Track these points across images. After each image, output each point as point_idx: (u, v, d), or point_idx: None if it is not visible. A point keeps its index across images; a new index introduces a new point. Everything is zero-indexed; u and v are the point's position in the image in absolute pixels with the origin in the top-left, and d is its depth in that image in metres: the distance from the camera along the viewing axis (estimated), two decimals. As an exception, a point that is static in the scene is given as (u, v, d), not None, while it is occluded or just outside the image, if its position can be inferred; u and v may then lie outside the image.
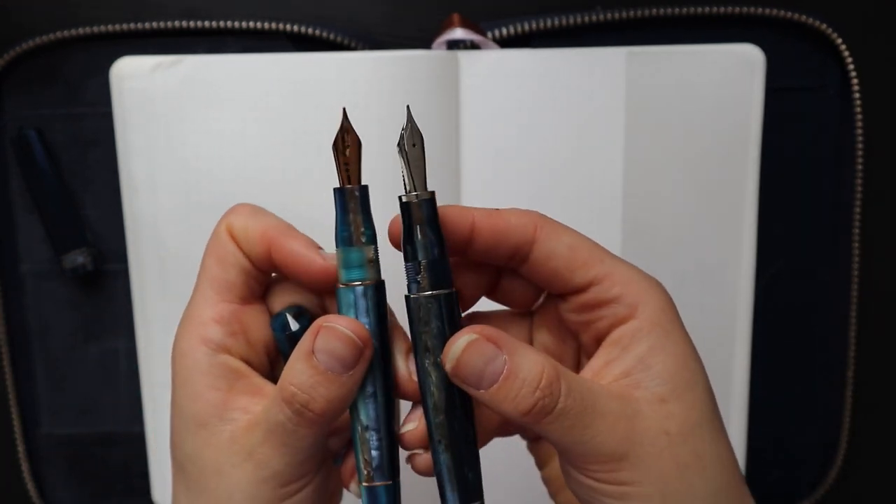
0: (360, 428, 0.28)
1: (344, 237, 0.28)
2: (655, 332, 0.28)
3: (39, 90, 0.48)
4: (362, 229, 0.28)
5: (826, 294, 0.51)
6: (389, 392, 0.28)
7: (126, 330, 0.50)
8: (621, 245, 0.47)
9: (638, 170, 0.47)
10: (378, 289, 0.28)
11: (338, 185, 0.28)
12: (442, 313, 0.27)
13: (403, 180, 0.27)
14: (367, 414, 0.28)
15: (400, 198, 0.27)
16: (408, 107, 0.28)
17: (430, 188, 0.28)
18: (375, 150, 0.46)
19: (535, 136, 0.46)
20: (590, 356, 0.30)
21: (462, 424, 0.28)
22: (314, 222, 0.46)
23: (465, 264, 0.30)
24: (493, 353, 0.26)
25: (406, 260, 0.28)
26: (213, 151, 0.46)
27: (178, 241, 0.46)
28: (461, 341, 0.27)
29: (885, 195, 0.51)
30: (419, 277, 0.27)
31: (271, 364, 0.32)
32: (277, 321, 0.31)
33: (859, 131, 0.49)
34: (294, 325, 0.30)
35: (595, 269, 0.28)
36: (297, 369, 0.27)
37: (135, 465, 0.51)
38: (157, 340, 0.48)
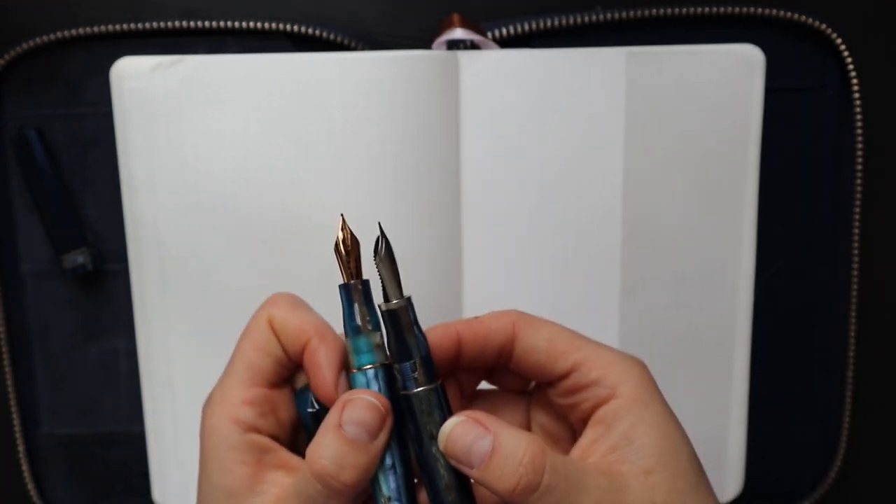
0: (382, 499, 0.30)
1: (353, 327, 0.30)
2: (636, 408, 0.29)
3: (39, 90, 0.48)
4: (368, 318, 0.30)
5: (826, 294, 0.51)
6: (408, 463, 0.31)
7: (126, 330, 0.50)
8: (621, 245, 0.47)
9: (638, 170, 0.47)
10: (386, 370, 0.30)
11: (342, 282, 0.31)
12: (441, 403, 0.30)
13: (382, 290, 0.30)
14: (387, 486, 0.30)
15: (379, 306, 0.30)
16: (379, 223, 0.31)
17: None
18: (376, 150, 0.46)
19: (535, 137, 0.46)
20: (578, 435, 0.31)
21: (471, 501, 0.30)
22: (314, 221, 0.46)
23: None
24: (480, 433, 0.29)
25: (398, 361, 0.30)
26: (213, 151, 0.46)
27: (178, 241, 0.46)
28: (450, 422, 0.29)
29: (885, 195, 0.51)
30: (415, 375, 0.30)
31: (295, 439, 0.33)
32: (301, 400, 0.32)
33: (859, 131, 0.49)
34: (317, 405, 0.32)
35: (574, 357, 0.30)
36: (325, 443, 0.29)
37: (135, 465, 0.51)
38: (157, 340, 0.48)
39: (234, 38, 0.48)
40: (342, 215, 0.31)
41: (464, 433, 0.29)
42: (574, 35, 0.48)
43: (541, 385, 0.33)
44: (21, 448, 0.51)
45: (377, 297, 0.31)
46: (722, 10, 0.47)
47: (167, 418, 0.48)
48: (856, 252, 0.50)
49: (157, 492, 0.49)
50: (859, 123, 0.49)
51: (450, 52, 0.45)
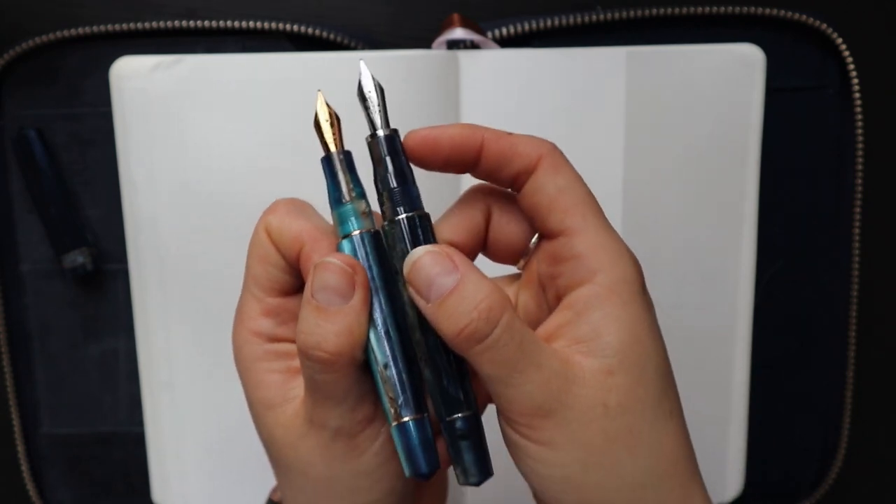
0: (379, 368, 0.28)
1: (336, 198, 0.29)
2: (611, 302, 0.27)
3: (39, 90, 0.48)
4: (351, 186, 0.29)
5: (826, 294, 0.51)
6: (403, 329, 0.29)
7: (126, 330, 0.50)
8: (621, 245, 0.47)
9: (638, 169, 0.47)
10: (374, 235, 0.29)
11: (323, 156, 0.29)
12: (404, 235, 0.28)
13: (368, 123, 0.29)
14: (382, 352, 0.28)
15: (366, 138, 0.29)
16: (361, 61, 0.30)
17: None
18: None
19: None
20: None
21: (437, 340, 0.28)
22: (314, 222, 0.46)
23: (457, 217, 0.31)
24: (447, 268, 0.27)
25: (378, 197, 0.29)
26: (212, 151, 0.46)
27: (178, 241, 0.46)
28: (420, 249, 0.27)
29: (885, 195, 0.51)
30: (384, 208, 0.29)
31: None
32: None
33: (859, 131, 0.49)
34: None
35: (570, 220, 0.28)
36: (302, 317, 0.28)
37: (135, 465, 0.51)
38: (157, 340, 0.48)
39: (233, 38, 0.48)
40: (319, 91, 0.30)
41: (431, 264, 0.27)
42: (574, 35, 0.48)
43: (532, 260, 0.31)
44: (21, 448, 0.51)
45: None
46: (722, 10, 0.47)
47: (167, 418, 0.48)
48: (856, 252, 0.50)
49: (157, 492, 0.49)
50: (859, 123, 0.49)
51: (450, 52, 0.45)
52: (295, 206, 0.31)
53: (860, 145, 0.49)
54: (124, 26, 0.47)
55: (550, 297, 0.30)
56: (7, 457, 0.52)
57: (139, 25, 0.47)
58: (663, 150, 0.47)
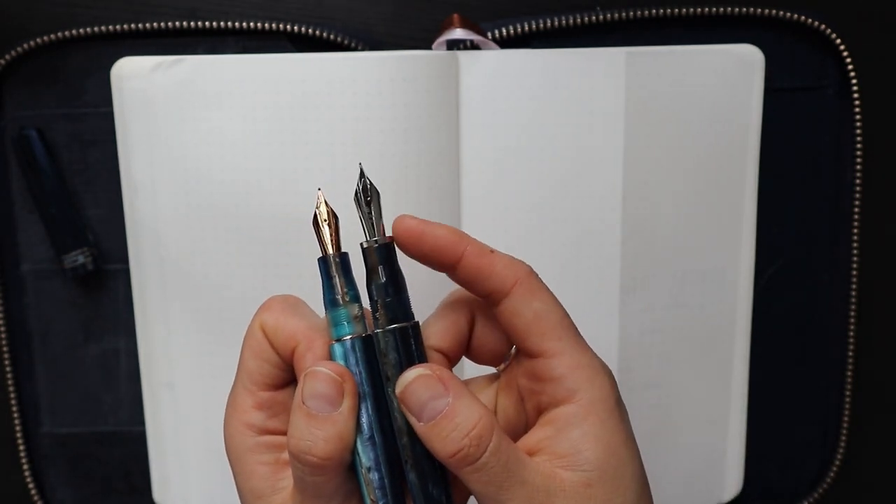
0: (363, 470, 0.30)
1: (330, 299, 0.31)
2: (589, 421, 0.29)
3: (40, 90, 0.48)
4: (345, 289, 0.31)
5: (826, 294, 0.51)
6: (388, 432, 0.30)
7: (126, 330, 0.50)
8: (621, 245, 0.47)
9: (638, 170, 0.47)
10: (365, 341, 0.30)
11: (320, 256, 0.31)
12: (398, 345, 0.30)
13: (363, 228, 0.30)
14: (367, 456, 0.30)
15: (361, 244, 0.30)
16: (360, 164, 0.31)
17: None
18: (376, 150, 0.46)
19: (535, 137, 0.46)
20: (529, 425, 0.32)
21: (424, 448, 0.30)
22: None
23: (443, 323, 0.32)
24: (439, 392, 0.29)
25: (369, 300, 0.31)
26: (213, 151, 0.46)
27: (179, 241, 0.46)
28: (413, 372, 0.29)
29: (885, 195, 0.51)
30: (377, 315, 0.30)
31: None
32: None
33: (858, 131, 0.49)
34: None
35: (549, 344, 0.30)
36: (293, 422, 0.29)
37: (135, 465, 0.51)
38: (157, 340, 0.48)
39: (234, 38, 0.48)
40: (319, 189, 0.31)
41: (423, 388, 0.29)
42: (574, 35, 0.48)
43: (512, 367, 0.33)
44: (21, 448, 0.51)
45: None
46: (722, 10, 0.47)
47: (167, 418, 0.48)
48: (855, 252, 0.50)
49: (157, 492, 0.49)
50: (858, 123, 0.49)
51: (450, 52, 0.46)
52: (289, 303, 0.32)
53: (859, 145, 0.49)
54: (124, 26, 0.47)
55: (530, 408, 0.32)
56: (8, 456, 0.52)
57: (139, 26, 0.47)
58: (663, 151, 0.47)
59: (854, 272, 0.50)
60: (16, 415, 0.51)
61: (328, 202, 0.31)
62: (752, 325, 0.50)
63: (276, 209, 0.46)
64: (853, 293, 0.50)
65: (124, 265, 0.48)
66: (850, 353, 0.51)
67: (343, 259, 0.31)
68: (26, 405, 0.51)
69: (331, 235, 0.31)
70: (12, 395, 0.50)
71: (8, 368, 0.50)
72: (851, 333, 0.51)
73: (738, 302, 0.49)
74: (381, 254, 0.30)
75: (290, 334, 0.31)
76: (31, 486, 0.51)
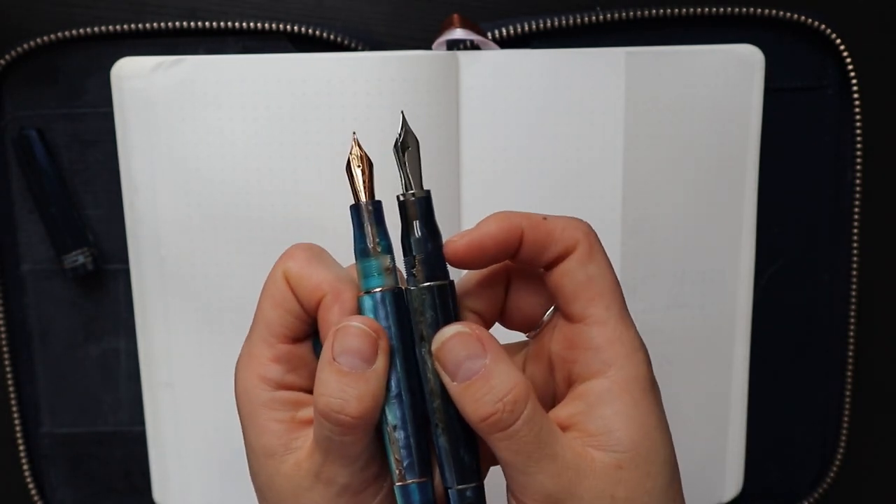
0: (388, 428, 0.29)
1: (361, 249, 0.29)
2: (623, 400, 0.28)
3: (40, 90, 0.48)
4: (378, 240, 0.29)
5: (826, 294, 0.51)
6: (415, 391, 0.29)
7: (126, 330, 0.50)
8: (621, 245, 0.47)
9: (637, 170, 0.47)
10: (396, 294, 0.29)
11: (353, 203, 0.29)
12: (436, 303, 0.28)
13: (401, 180, 0.29)
14: (393, 414, 0.29)
15: (397, 197, 0.29)
16: (402, 112, 0.30)
17: (429, 187, 0.29)
18: (376, 150, 0.46)
19: (535, 137, 0.46)
20: (559, 397, 0.30)
21: (457, 410, 0.28)
22: (313, 220, 0.46)
23: (480, 286, 0.31)
24: (477, 352, 0.27)
25: (404, 255, 0.29)
26: (213, 151, 0.46)
27: (179, 241, 0.46)
28: (451, 329, 0.28)
29: (885, 195, 0.51)
30: (414, 271, 0.29)
31: None
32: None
33: (858, 131, 0.49)
34: None
35: (594, 311, 0.29)
36: (323, 380, 0.28)
37: (135, 464, 0.51)
38: (157, 340, 0.48)
39: (234, 38, 0.48)
40: (354, 133, 0.30)
41: (461, 346, 0.28)
42: (574, 35, 0.48)
43: (544, 334, 0.31)
44: (21, 448, 0.51)
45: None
46: (722, 10, 0.47)
47: (167, 418, 0.48)
48: (855, 252, 0.50)
49: (157, 492, 0.49)
50: (858, 123, 0.49)
51: (450, 52, 0.46)
52: (314, 252, 0.31)
53: (859, 145, 0.49)
54: (124, 26, 0.47)
55: (560, 377, 0.30)
56: (8, 456, 0.52)
57: (139, 26, 0.47)
58: (663, 151, 0.47)
59: (854, 272, 0.50)
60: (16, 415, 0.51)
61: (362, 145, 0.29)
62: (752, 325, 0.50)
63: (276, 209, 0.46)
64: (853, 293, 0.50)
65: (124, 265, 0.48)
66: (850, 353, 0.51)
67: (376, 207, 0.29)
68: (26, 405, 0.51)
69: (364, 181, 0.29)
70: (12, 395, 0.50)
71: (8, 368, 0.50)
72: (851, 333, 0.51)
73: (738, 302, 0.49)
74: (420, 207, 0.29)
75: (315, 284, 0.29)
76: (31, 486, 0.51)
